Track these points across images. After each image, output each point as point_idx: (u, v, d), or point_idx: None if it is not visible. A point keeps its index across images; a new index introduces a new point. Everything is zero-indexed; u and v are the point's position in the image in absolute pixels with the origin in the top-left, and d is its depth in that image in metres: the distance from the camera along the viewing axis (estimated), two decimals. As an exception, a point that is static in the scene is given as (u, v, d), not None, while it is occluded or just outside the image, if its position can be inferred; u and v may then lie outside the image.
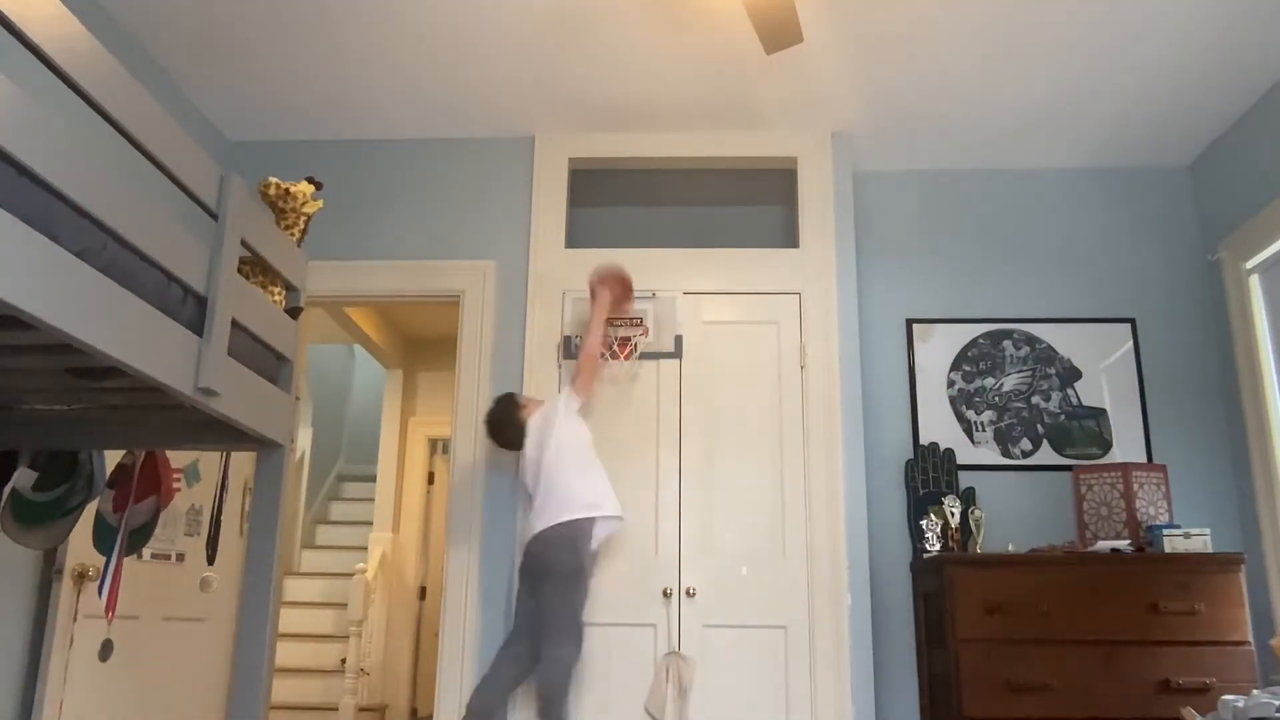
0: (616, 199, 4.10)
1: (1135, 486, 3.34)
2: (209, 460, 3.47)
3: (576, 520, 3.06)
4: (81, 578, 2.92)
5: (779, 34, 2.76)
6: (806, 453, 3.50)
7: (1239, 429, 3.60)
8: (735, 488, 3.49)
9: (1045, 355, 3.81)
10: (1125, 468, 3.38)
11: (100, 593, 2.48)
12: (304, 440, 7.04)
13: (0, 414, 2.32)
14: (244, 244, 2.05)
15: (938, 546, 3.45)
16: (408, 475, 6.50)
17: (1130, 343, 3.80)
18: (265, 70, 3.47)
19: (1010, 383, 3.80)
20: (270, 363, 2.24)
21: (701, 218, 4.04)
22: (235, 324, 2.00)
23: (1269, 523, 3.40)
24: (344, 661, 5.57)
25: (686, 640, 3.35)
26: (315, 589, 6.45)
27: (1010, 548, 3.48)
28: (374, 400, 7.44)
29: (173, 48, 3.34)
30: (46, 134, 1.39)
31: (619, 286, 3.43)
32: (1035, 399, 3.77)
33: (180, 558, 3.39)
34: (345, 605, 5.82)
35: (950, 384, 3.80)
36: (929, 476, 3.65)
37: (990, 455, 3.71)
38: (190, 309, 1.84)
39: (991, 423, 3.75)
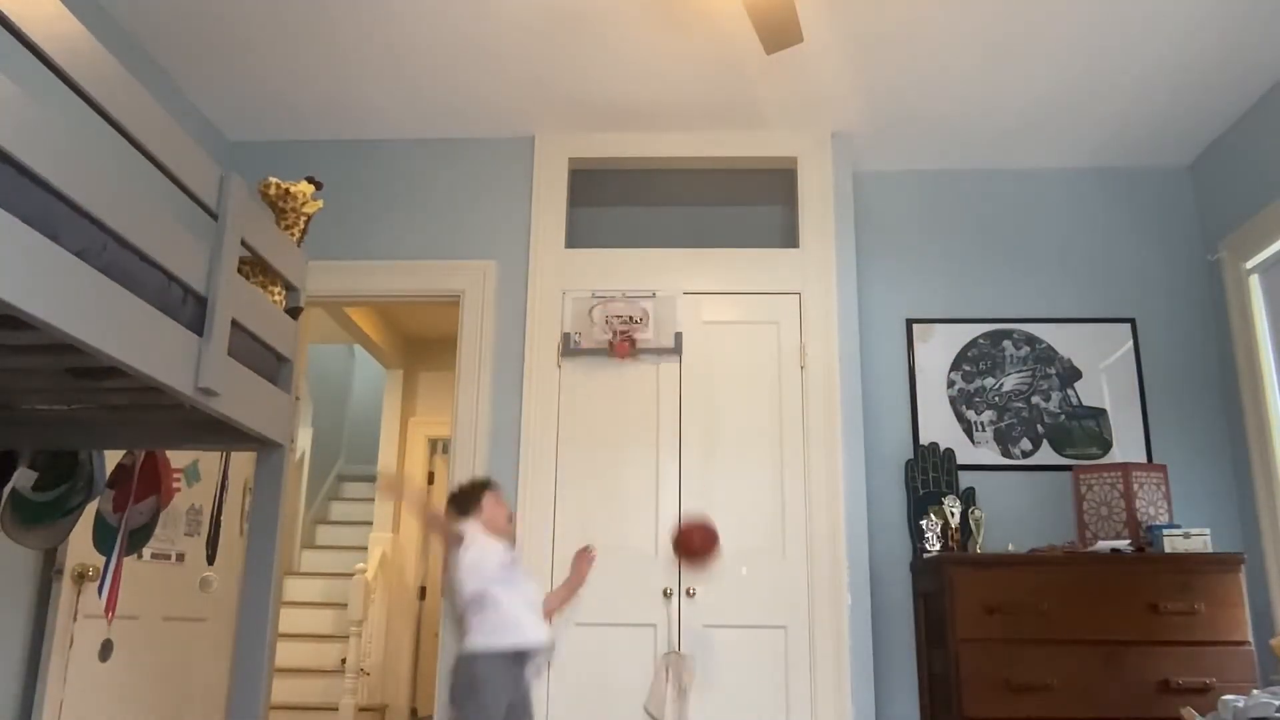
0: (616, 199, 4.10)
1: (1135, 486, 3.34)
2: (209, 460, 3.47)
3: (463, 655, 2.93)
4: (81, 578, 2.92)
5: (779, 34, 2.76)
6: (806, 453, 3.49)
7: (1239, 429, 3.60)
8: (735, 487, 3.49)
9: (1045, 355, 3.81)
10: (1125, 468, 3.38)
11: (100, 593, 2.48)
12: (304, 440, 7.03)
13: (0, 414, 2.32)
14: (244, 244, 2.05)
15: (938, 546, 3.45)
16: (408, 475, 6.50)
17: (1130, 343, 3.80)
18: (265, 70, 3.47)
19: (1010, 383, 3.80)
20: (270, 363, 2.24)
21: (701, 218, 4.04)
22: (235, 324, 2.00)
23: (1269, 523, 3.40)
24: (344, 661, 5.57)
25: (686, 640, 3.34)
26: (315, 589, 6.44)
27: (1010, 548, 3.48)
28: (374, 400, 7.43)
29: (173, 48, 3.34)
30: (46, 134, 1.39)
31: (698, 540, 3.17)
32: (1035, 399, 3.77)
33: (180, 558, 3.39)
34: (345, 605, 5.82)
35: (950, 384, 3.80)
36: (929, 476, 3.65)
37: (990, 455, 3.71)
38: (190, 309, 1.84)
39: (991, 423, 3.75)
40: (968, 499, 3.61)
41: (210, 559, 3.35)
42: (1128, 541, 3.25)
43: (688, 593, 3.39)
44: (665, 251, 3.75)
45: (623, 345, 3.56)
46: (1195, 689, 2.96)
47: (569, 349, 3.61)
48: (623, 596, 3.39)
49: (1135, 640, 3.04)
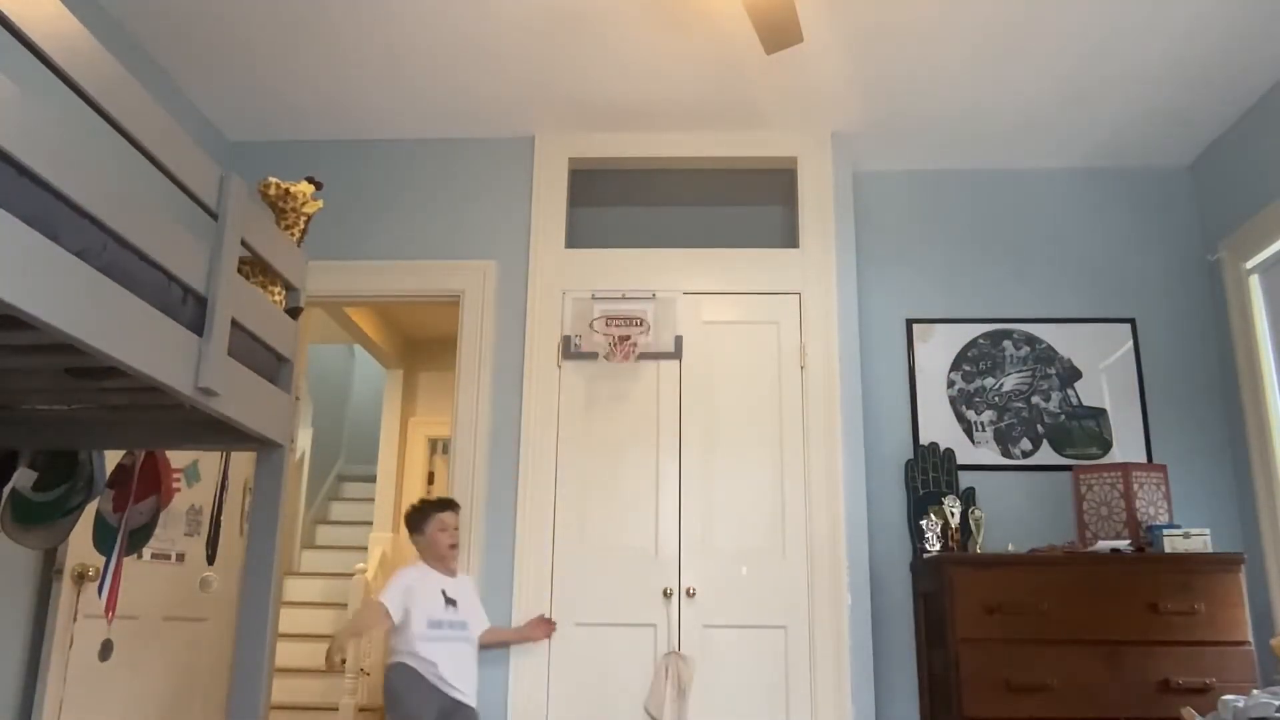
0: (616, 199, 4.10)
1: (1135, 486, 3.34)
2: (209, 460, 3.47)
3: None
4: (81, 578, 2.92)
5: (779, 34, 2.76)
6: (806, 453, 3.50)
7: (1239, 429, 3.60)
8: (735, 488, 3.49)
9: (1045, 355, 3.81)
10: (1125, 468, 3.38)
11: (100, 593, 2.48)
12: (304, 440, 7.03)
13: (0, 414, 2.32)
14: (244, 244, 2.04)
15: (938, 546, 3.45)
16: (408, 475, 6.50)
17: (1130, 343, 3.80)
18: (265, 70, 3.47)
19: (1010, 383, 3.80)
20: (270, 363, 2.24)
21: (701, 218, 4.04)
22: (235, 324, 2.00)
23: (1269, 523, 3.40)
24: (344, 661, 5.57)
25: (686, 640, 3.35)
26: (315, 589, 6.44)
27: (1010, 548, 3.48)
28: (374, 400, 7.44)
29: (173, 48, 3.34)
30: (46, 134, 1.39)
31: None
32: (1035, 399, 3.77)
33: (180, 558, 3.39)
34: (345, 605, 5.82)
35: (950, 384, 3.80)
36: (929, 476, 3.65)
37: (990, 455, 3.71)
38: (190, 309, 1.84)
39: (991, 423, 3.75)
40: (968, 499, 3.61)
41: (210, 559, 3.35)
42: (1128, 541, 3.25)
43: (688, 593, 3.39)
44: (665, 252, 3.75)
45: (624, 352, 3.56)
46: (1195, 689, 2.96)
47: (569, 352, 3.62)
48: (623, 596, 3.39)
49: (1135, 640, 3.04)
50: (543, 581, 3.42)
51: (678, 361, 3.62)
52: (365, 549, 6.36)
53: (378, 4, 3.09)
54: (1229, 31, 3.14)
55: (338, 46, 3.33)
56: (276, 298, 2.32)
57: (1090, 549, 3.29)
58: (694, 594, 3.38)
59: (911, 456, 3.71)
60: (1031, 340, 3.83)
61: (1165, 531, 3.17)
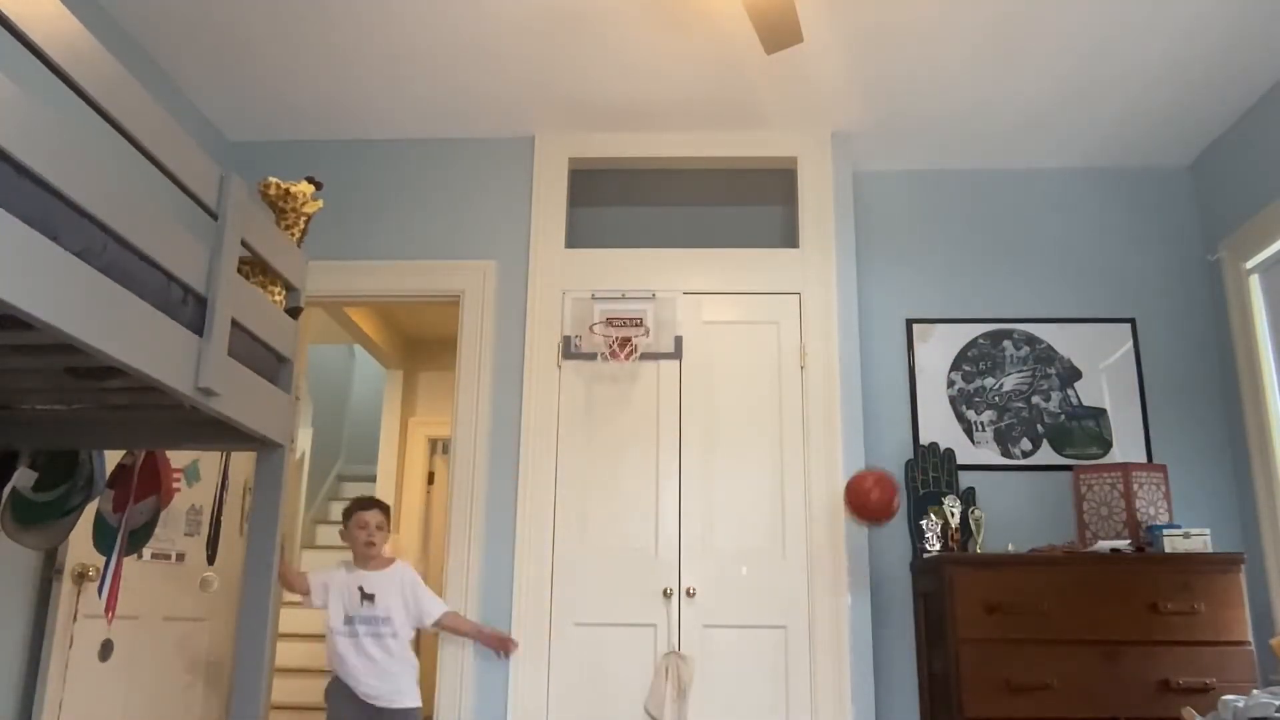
0: (616, 199, 4.10)
1: (1135, 486, 3.34)
2: (209, 460, 3.47)
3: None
4: (81, 578, 2.92)
5: (779, 34, 2.76)
6: (806, 453, 3.50)
7: (1239, 429, 3.60)
8: (735, 488, 3.49)
9: (1045, 355, 3.81)
10: (1125, 468, 3.38)
11: (100, 593, 2.48)
12: (304, 440, 7.02)
13: (0, 414, 2.32)
14: (244, 244, 2.04)
15: (938, 546, 3.45)
16: (408, 475, 6.50)
17: (1130, 343, 3.80)
18: (265, 70, 3.47)
19: (1010, 383, 3.80)
20: (270, 363, 2.24)
21: (701, 218, 4.04)
22: (235, 324, 2.00)
23: (1269, 523, 3.40)
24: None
25: (686, 640, 3.35)
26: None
27: (1010, 548, 3.48)
28: (374, 400, 7.43)
29: (173, 48, 3.34)
30: (46, 134, 1.39)
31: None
32: (1035, 399, 3.77)
33: (180, 558, 3.39)
34: (345, 605, 5.81)
35: (950, 384, 3.80)
36: (929, 476, 3.65)
37: (990, 455, 3.71)
38: (190, 309, 1.84)
39: (991, 423, 3.75)
40: (968, 499, 3.61)
41: (210, 559, 3.35)
42: (1128, 541, 3.25)
43: (688, 593, 3.39)
44: (665, 251, 3.75)
45: (624, 352, 3.56)
46: (1195, 689, 2.96)
47: (569, 352, 3.62)
48: (623, 596, 3.39)
49: (1135, 640, 3.04)
50: (543, 581, 3.43)
51: (678, 362, 3.62)
52: (365, 549, 6.35)
53: (378, 4, 3.09)
54: (1229, 31, 3.14)
55: (338, 47, 3.33)
56: (276, 298, 2.32)
57: (1090, 549, 3.29)
58: (694, 594, 3.38)
59: (911, 456, 3.71)
60: (1031, 340, 3.83)
61: (1165, 531, 3.16)
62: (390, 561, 3.34)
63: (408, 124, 3.83)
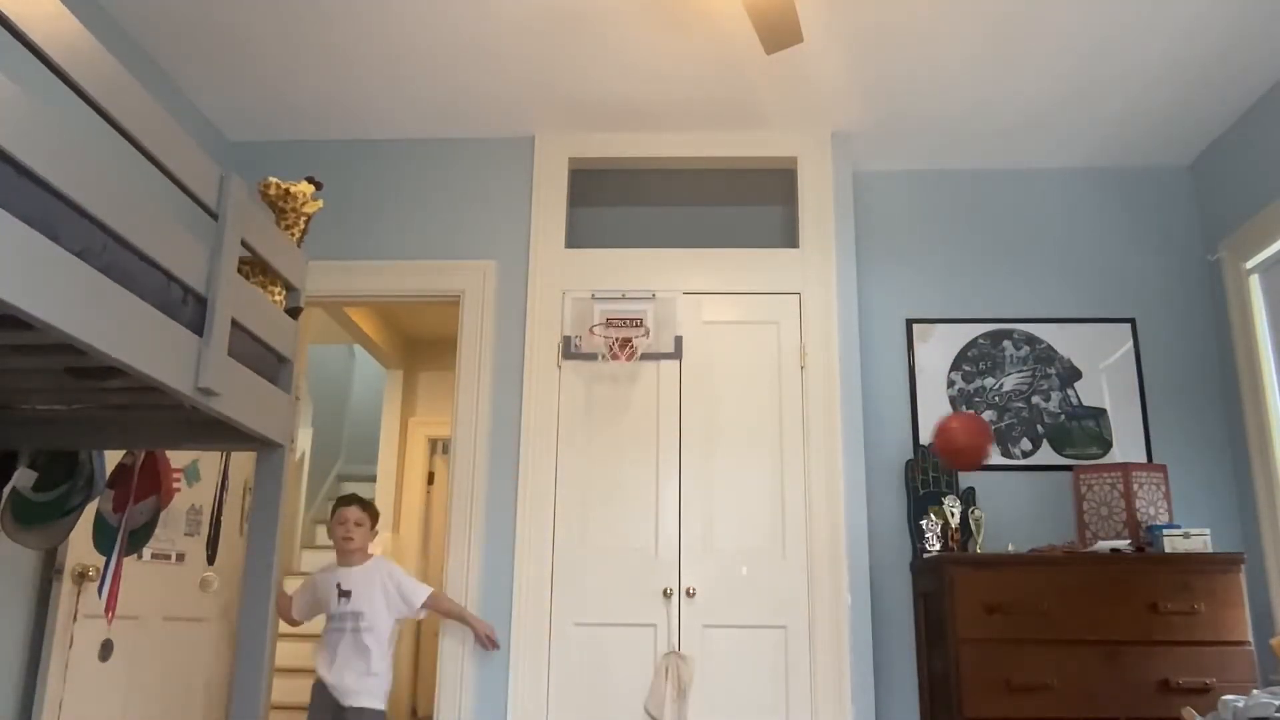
0: (616, 199, 4.10)
1: (1135, 486, 3.34)
2: (209, 460, 3.47)
3: None
4: (81, 578, 2.92)
5: (779, 34, 2.76)
6: (806, 453, 3.50)
7: (1239, 429, 3.60)
8: (735, 488, 3.49)
9: (1045, 355, 3.81)
10: (1125, 468, 3.38)
11: (100, 593, 2.48)
12: (304, 440, 7.03)
13: (0, 414, 2.32)
14: (244, 244, 2.04)
15: (938, 546, 3.45)
16: (408, 475, 6.50)
17: (1130, 343, 3.80)
18: (265, 70, 3.47)
19: (1010, 383, 3.80)
20: (270, 363, 2.24)
21: (701, 218, 4.04)
22: (235, 324, 2.00)
23: (1269, 523, 3.40)
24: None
25: (686, 640, 3.35)
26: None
27: (1010, 548, 3.48)
28: (374, 400, 7.43)
29: (173, 48, 3.34)
30: (46, 134, 1.39)
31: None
32: (1035, 399, 3.77)
33: (180, 558, 3.39)
34: (345, 605, 5.81)
35: (950, 384, 3.80)
36: (929, 476, 3.65)
37: (990, 455, 3.71)
38: (190, 309, 1.84)
39: (991, 423, 3.75)
40: (968, 499, 3.60)
41: (210, 559, 3.35)
42: (1128, 541, 3.25)
43: (688, 593, 3.39)
44: (665, 251, 3.75)
45: (624, 352, 3.55)
46: (1195, 689, 2.96)
47: (569, 352, 3.62)
48: (623, 596, 3.39)
49: (1135, 640, 3.04)
50: (543, 581, 3.43)
51: (678, 362, 3.62)
52: (365, 549, 6.35)
53: (378, 4, 3.09)
54: (1229, 31, 3.14)
55: (338, 47, 3.33)
56: (276, 298, 2.32)
57: (1090, 549, 3.29)
58: (694, 594, 3.38)
59: (911, 456, 3.71)
60: (1031, 340, 3.83)
61: (1165, 531, 3.17)
62: (368, 558, 3.36)
63: (408, 124, 3.83)
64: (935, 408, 3.77)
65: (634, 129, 3.83)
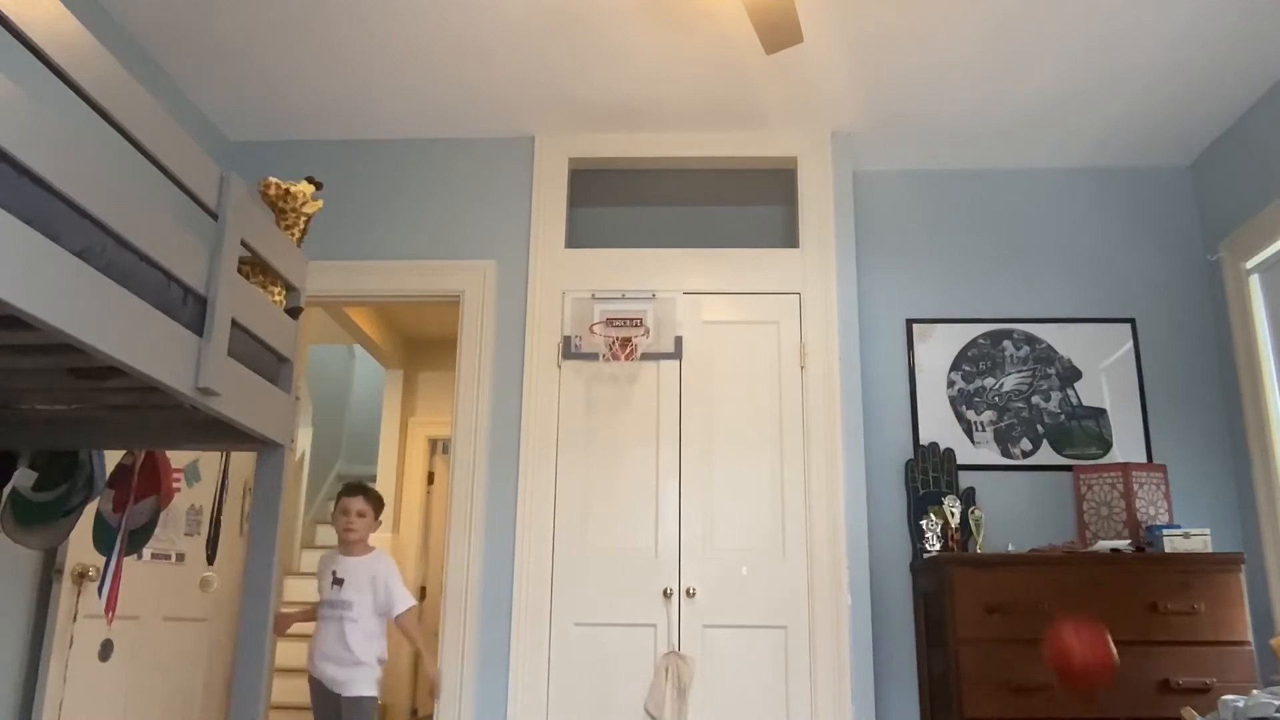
0: (616, 199, 4.10)
1: (1135, 486, 3.34)
2: (209, 460, 3.47)
3: None
4: (81, 578, 2.92)
5: (779, 34, 2.76)
6: (806, 453, 3.50)
7: (1239, 429, 3.60)
8: (735, 488, 3.49)
9: (1045, 355, 3.81)
10: (1125, 468, 3.38)
11: (100, 593, 2.48)
12: (304, 440, 7.03)
13: (0, 414, 2.32)
14: (244, 244, 2.04)
15: (938, 546, 3.45)
16: (408, 475, 6.50)
17: (1130, 343, 3.80)
18: (265, 70, 3.47)
19: (1010, 383, 3.80)
20: (270, 363, 2.24)
21: (701, 218, 4.04)
22: (235, 324, 2.00)
23: (1269, 523, 3.40)
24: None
25: (686, 640, 3.35)
26: (315, 589, 6.43)
27: (1010, 548, 3.48)
28: (374, 400, 7.43)
29: (173, 48, 3.34)
30: (46, 134, 1.39)
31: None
32: (1035, 399, 3.77)
33: (180, 558, 3.39)
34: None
35: (950, 384, 3.80)
36: (929, 476, 3.65)
37: (990, 455, 3.71)
38: (190, 309, 1.84)
39: (991, 423, 3.75)
40: (968, 499, 3.61)
41: (210, 559, 3.35)
42: (1128, 541, 3.25)
43: (688, 593, 3.39)
44: (665, 251, 3.75)
45: (625, 352, 3.55)
46: (1195, 689, 2.96)
47: (569, 352, 3.62)
48: (623, 596, 3.39)
49: (1135, 640, 3.03)
50: (543, 581, 3.43)
51: (678, 362, 3.62)
52: (365, 549, 6.35)
53: (377, 4, 3.09)
54: (1229, 31, 3.14)
55: (338, 47, 3.33)
56: (276, 298, 2.32)
57: (1090, 549, 3.29)
58: (694, 594, 3.38)
59: (911, 456, 3.71)
60: (1031, 340, 3.83)
61: (1165, 531, 3.17)
62: (370, 550, 3.37)
63: (408, 124, 3.83)
64: (935, 408, 3.77)
65: (634, 129, 3.83)
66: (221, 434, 2.25)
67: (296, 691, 5.72)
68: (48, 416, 2.33)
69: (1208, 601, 3.05)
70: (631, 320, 3.63)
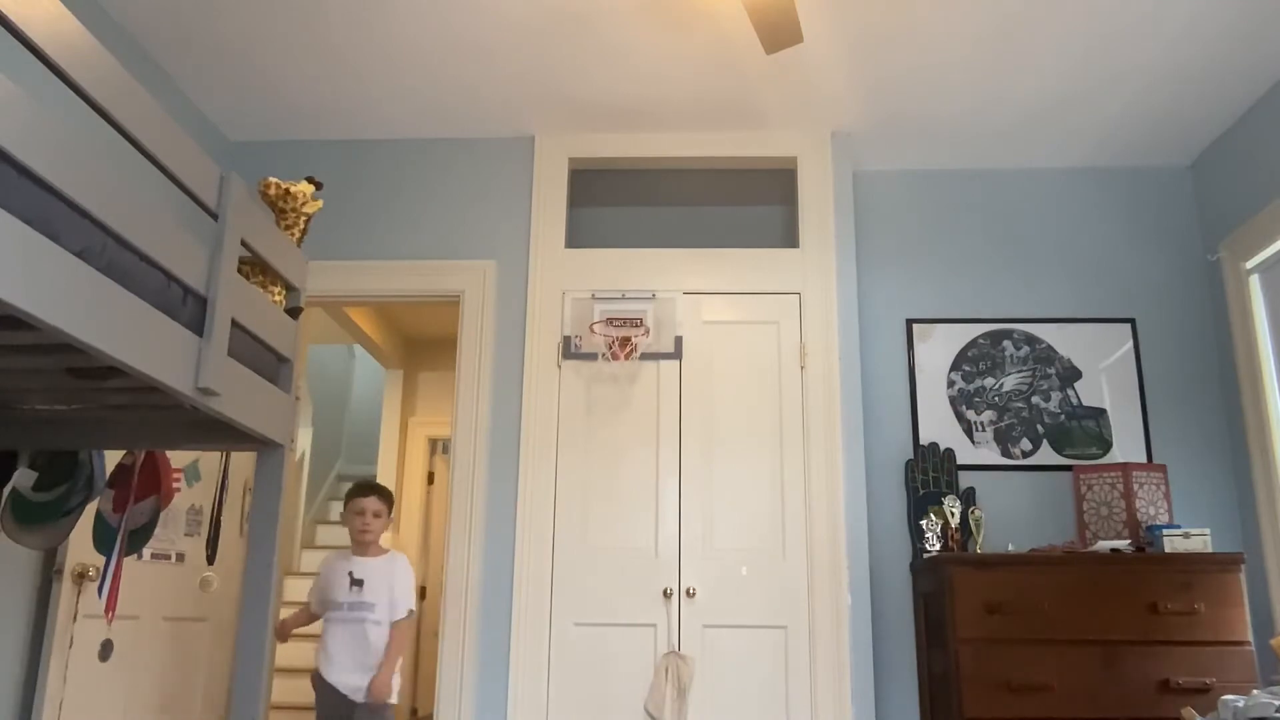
0: (616, 199, 4.10)
1: (1135, 486, 3.34)
2: (209, 460, 3.47)
3: None
4: (81, 578, 2.92)
5: (779, 34, 2.76)
6: (806, 453, 3.50)
7: (1239, 429, 3.60)
8: (735, 488, 3.49)
9: (1045, 355, 3.81)
10: (1125, 468, 3.38)
11: (100, 593, 2.48)
12: (304, 440, 7.03)
13: (0, 414, 2.32)
14: (244, 244, 2.04)
15: (938, 546, 3.45)
16: (408, 475, 6.50)
17: (1130, 343, 3.80)
18: (265, 70, 3.47)
19: (1010, 383, 3.80)
20: (270, 363, 2.24)
21: (701, 218, 4.04)
22: (235, 324, 2.00)
23: (1269, 523, 3.40)
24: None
25: (686, 640, 3.35)
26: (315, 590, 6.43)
27: (1010, 548, 3.48)
28: (374, 400, 7.44)
29: (173, 48, 3.34)
30: (46, 134, 1.39)
31: None
32: (1035, 399, 3.77)
33: (180, 558, 3.39)
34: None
35: (950, 384, 3.80)
36: (929, 476, 3.65)
37: (990, 455, 3.71)
38: (190, 309, 1.84)
39: (991, 423, 3.75)
40: (968, 499, 3.61)
41: (210, 559, 3.35)
42: (1128, 541, 3.25)
43: (688, 593, 3.39)
44: (665, 251, 3.75)
45: (624, 352, 3.55)
46: (1195, 689, 2.96)
47: (569, 352, 3.62)
48: (623, 596, 3.39)
49: (1135, 640, 3.04)
50: (543, 581, 3.43)
51: (678, 362, 3.62)
52: (365, 549, 6.35)
53: (377, 4, 3.09)
54: (1229, 32, 3.14)
55: (337, 47, 3.33)
56: (276, 298, 2.32)
57: (1090, 549, 3.29)
58: (694, 594, 3.38)
59: (911, 456, 3.71)
60: (1031, 340, 3.83)
61: (1165, 531, 3.17)
62: (385, 551, 3.35)
63: (407, 124, 3.83)
64: (935, 408, 3.77)
65: (634, 129, 3.83)
66: (221, 434, 2.25)
67: (296, 691, 5.73)
68: (48, 416, 2.33)
69: (1208, 601, 3.05)
70: (631, 320, 3.63)
